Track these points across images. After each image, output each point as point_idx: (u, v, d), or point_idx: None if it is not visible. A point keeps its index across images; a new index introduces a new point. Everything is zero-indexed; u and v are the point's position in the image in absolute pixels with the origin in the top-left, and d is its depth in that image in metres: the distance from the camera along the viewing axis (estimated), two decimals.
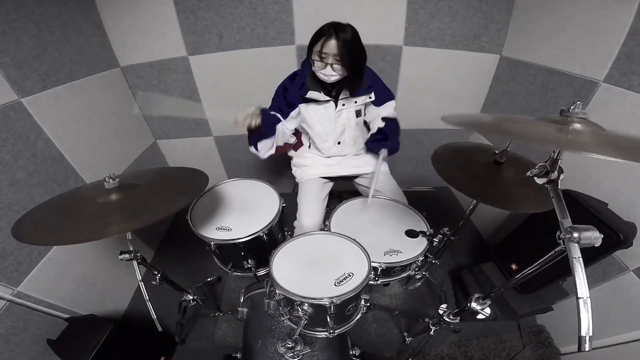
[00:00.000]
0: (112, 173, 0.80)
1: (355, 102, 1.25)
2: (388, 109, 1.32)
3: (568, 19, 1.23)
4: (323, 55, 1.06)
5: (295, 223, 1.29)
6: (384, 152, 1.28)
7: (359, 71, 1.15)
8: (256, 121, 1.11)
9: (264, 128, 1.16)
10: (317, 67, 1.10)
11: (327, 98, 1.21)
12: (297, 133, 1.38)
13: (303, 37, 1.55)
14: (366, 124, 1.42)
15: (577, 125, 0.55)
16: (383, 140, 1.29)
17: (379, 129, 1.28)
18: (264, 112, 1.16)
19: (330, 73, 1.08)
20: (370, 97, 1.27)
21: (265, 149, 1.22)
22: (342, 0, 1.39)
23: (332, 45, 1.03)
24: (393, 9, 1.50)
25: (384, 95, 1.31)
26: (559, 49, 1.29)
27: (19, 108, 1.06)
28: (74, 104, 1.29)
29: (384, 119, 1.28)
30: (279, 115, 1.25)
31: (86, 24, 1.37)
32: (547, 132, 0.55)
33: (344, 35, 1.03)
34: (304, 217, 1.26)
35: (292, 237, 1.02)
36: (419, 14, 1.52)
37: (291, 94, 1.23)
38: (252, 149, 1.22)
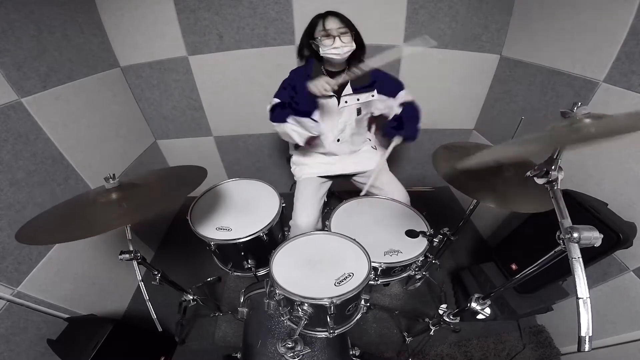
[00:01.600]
0: (111, 173, 0.80)
1: (358, 99, 1.25)
2: (403, 98, 1.29)
3: (568, 19, 1.23)
4: (328, 32, 1.09)
5: (291, 222, 1.29)
6: (397, 140, 1.24)
7: (362, 47, 1.17)
8: (330, 87, 1.08)
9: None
10: (327, 46, 1.10)
11: (330, 93, 1.21)
12: None
13: None
14: (377, 118, 1.40)
15: (587, 120, 0.54)
16: (398, 127, 1.24)
17: (396, 116, 1.26)
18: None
19: (340, 45, 1.10)
20: (372, 95, 1.26)
21: (301, 131, 1.19)
22: (342, 0, 1.38)
23: (332, 20, 1.09)
24: (393, 9, 1.50)
25: (394, 86, 1.29)
26: (559, 49, 1.29)
27: (19, 108, 1.06)
28: (74, 104, 1.29)
29: (402, 104, 1.27)
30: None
31: (86, 24, 1.37)
32: (569, 134, 0.53)
33: (337, 12, 1.10)
34: (299, 216, 1.25)
35: (289, 236, 1.02)
36: (419, 14, 1.52)
37: (299, 85, 1.17)
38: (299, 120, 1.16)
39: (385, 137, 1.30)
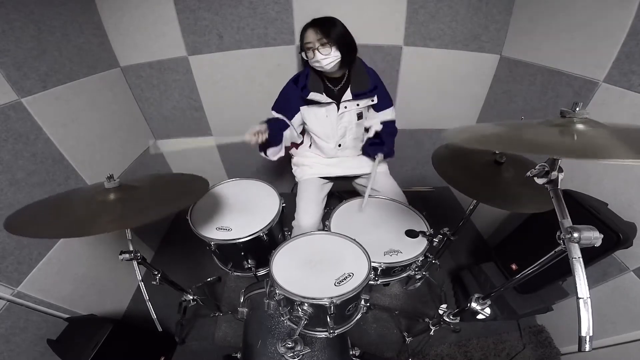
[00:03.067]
0: (110, 173, 0.80)
1: (358, 104, 1.25)
2: (387, 115, 1.34)
3: (568, 19, 1.23)
4: (308, 45, 1.09)
5: (294, 223, 1.30)
6: (379, 157, 1.32)
7: (351, 52, 1.16)
8: (263, 137, 1.12)
9: (272, 138, 1.18)
10: (310, 59, 1.12)
11: (329, 100, 1.21)
12: (302, 131, 1.39)
13: None
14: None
15: (580, 126, 0.54)
16: (379, 144, 1.33)
17: (377, 133, 1.30)
18: (270, 124, 1.17)
19: (320, 57, 1.09)
20: (372, 100, 1.27)
21: (274, 153, 1.25)
22: (342, 0, 1.38)
23: (311, 32, 1.08)
24: (393, 9, 1.50)
25: (384, 101, 1.32)
26: (559, 49, 1.29)
27: (19, 108, 1.06)
28: (74, 104, 1.29)
29: (382, 122, 1.30)
30: (286, 120, 1.25)
31: (86, 24, 1.37)
32: (553, 138, 0.54)
33: (318, 21, 1.09)
34: (302, 218, 1.26)
35: (292, 236, 1.02)
36: (419, 14, 1.52)
37: (294, 96, 1.23)
38: (262, 154, 1.24)
39: (366, 154, 1.40)
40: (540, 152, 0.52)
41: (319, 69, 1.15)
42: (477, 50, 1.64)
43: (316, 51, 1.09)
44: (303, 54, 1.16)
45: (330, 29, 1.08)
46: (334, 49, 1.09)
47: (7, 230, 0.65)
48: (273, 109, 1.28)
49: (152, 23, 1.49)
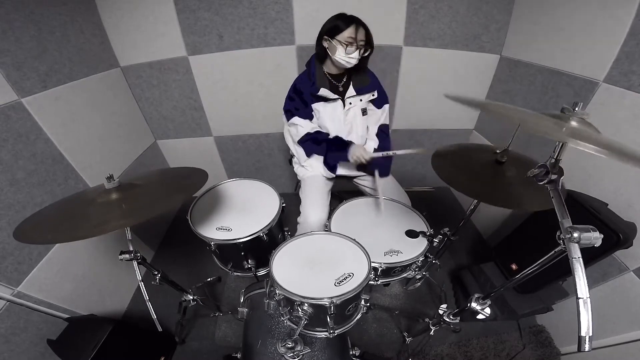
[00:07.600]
0: (110, 173, 0.80)
1: (361, 99, 1.28)
2: (384, 112, 1.36)
3: (568, 19, 1.23)
4: (350, 40, 1.12)
5: (300, 219, 1.29)
6: (377, 174, 1.31)
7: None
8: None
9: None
10: (347, 52, 1.13)
11: (336, 96, 1.23)
12: None
13: (303, 37, 1.55)
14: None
15: (574, 123, 0.55)
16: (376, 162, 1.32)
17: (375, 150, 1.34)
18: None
19: (357, 57, 1.14)
20: (373, 95, 1.30)
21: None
22: (342, 0, 1.38)
23: (362, 32, 1.13)
24: (393, 9, 1.50)
25: (382, 97, 1.35)
26: (559, 49, 1.29)
27: (19, 108, 1.06)
28: (74, 104, 1.29)
29: (379, 127, 1.36)
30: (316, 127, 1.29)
31: (86, 24, 1.37)
32: (545, 123, 0.55)
33: (363, 24, 1.14)
34: (310, 213, 1.26)
35: (294, 234, 1.02)
36: (419, 14, 1.52)
37: (305, 94, 1.24)
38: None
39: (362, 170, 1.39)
40: (524, 121, 0.54)
41: (346, 64, 1.16)
42: (477, 50, 1.64)
43: (359, 50, 1.13)
44: (327, 42, 1.15)
45: (371, 35, 1.15)
46: (367, 51, 1.16)
47: (17, 239, 0.66)
48: (296, 115, 1.26)
49: (152, 23, 1.49)
